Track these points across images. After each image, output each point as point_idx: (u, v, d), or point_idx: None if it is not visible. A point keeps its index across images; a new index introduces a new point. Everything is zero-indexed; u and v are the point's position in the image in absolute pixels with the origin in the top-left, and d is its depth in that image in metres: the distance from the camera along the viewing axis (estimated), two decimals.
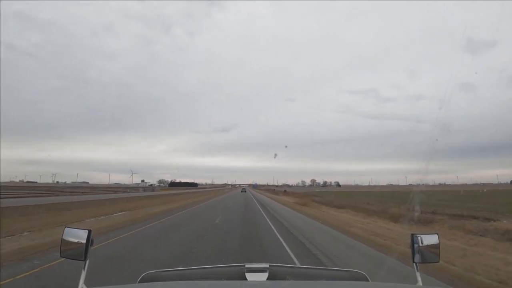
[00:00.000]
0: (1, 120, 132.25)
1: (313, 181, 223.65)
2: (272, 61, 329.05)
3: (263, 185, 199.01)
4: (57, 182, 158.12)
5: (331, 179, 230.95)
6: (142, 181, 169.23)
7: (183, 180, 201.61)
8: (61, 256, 1.33)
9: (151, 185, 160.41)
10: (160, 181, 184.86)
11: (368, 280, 1.50)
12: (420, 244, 1.39)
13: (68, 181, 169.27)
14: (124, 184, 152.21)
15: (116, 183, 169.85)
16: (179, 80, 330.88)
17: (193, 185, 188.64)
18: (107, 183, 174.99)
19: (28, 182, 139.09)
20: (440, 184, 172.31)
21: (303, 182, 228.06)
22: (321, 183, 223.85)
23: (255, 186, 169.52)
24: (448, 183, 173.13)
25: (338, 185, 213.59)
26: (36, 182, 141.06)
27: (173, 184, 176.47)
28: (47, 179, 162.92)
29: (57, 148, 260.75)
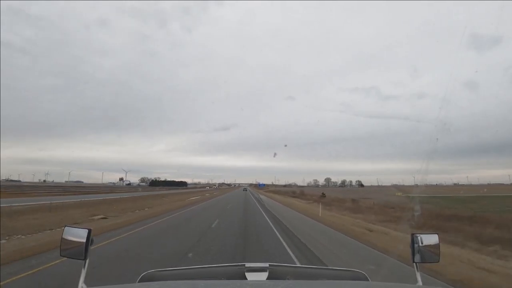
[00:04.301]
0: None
1: (327, 180, 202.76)
2: (272, 59, 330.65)
3: (269, 185, 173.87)
4: (44, 181, 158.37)
5: (335, 179, 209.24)
6: (121, 179, 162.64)
7: (183, 180, 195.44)
8: (61, 255, 1.42)
9: (129, 184, 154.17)
10: (142, 179, 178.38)
11: (368, 280, 1.59)
12: (420, 244, 1.48)
13: (62, 180, 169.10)
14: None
15: (110, 182, 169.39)
16: (178, 79, 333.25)
17: (181, 184, 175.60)
18: (100, 182, 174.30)
19: (10, 181, 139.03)
20: (455, 184, 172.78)
21: (315, 181, 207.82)
22: (339, 182, 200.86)
23: (260, 186, 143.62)
24: (461, 183, 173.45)
25: (360, 185, 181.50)
26: (19, 181, 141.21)
27: (154, 183, 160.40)
28: (42, 178, 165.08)
29: (54, 147, 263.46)
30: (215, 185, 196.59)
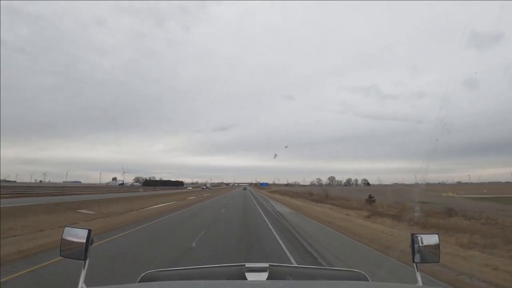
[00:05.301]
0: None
1: (331, 178, 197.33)
2: (272, 59, 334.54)
3: (271, 184, 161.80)
4: (40, 181, 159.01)
5: (336, 178, 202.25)
6: (114, 179, 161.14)
7: (183, 179, 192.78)
8: (60, 256, 1.44)
9: (122, 183, 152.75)
10: (137, 179, 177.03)
11: (368, 280, 1.62)
12: (420, 244, 1.50)
13: (60, 180, 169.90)
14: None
15: (107, 182, 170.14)
16: (178, 79, 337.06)
17: (177, 184, 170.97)
18: (99, 182, 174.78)
19: (6, 181, 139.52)
20: (458, 183, 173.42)
21: (318, 180, 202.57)
22: (342, 181, 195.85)
23: (262, 186, 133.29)
24: (463, 182, 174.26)
25: (367, 183, 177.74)
26: (14, 182, 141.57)
27: (148, 183, 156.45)
28: (41, 179, 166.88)
29: (54, 147, 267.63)
30: (205, 185, 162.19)
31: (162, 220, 16.88)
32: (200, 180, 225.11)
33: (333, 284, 1.53)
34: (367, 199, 34.65)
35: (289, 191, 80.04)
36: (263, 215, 20.07)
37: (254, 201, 38.99)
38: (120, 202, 26.87)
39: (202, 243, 9.98)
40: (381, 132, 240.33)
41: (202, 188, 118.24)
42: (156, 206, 27.09)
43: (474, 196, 57.54)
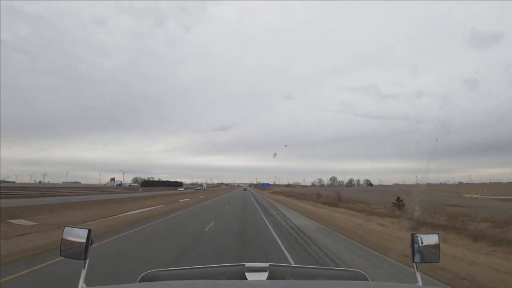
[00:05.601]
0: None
1: (333, 179, 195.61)
2: (272, 59, 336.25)
3: (271, 185, 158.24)
4: (40, 182, 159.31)
5: (337, 178, 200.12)
6: (112, 179, 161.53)
7: (182, 180, 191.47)
8: (60, 255, 1.45)
9: (120, 184, 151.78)
10: (135, 180, 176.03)
11: (368, 280, 1.62)
12: (420, 244, 1.50)
13: (60, 181, 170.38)
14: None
15: (105, 183, 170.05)
16: (178, 79, 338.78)
17: (175, 184, 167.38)
18: (99, 183, 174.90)
19: (6, 182, 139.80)
20: (460, 183, 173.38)
21: (319, 180, 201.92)
22: (344, 182, 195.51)
23: (263, 186, 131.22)
24: (465, 182, 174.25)
25: (369, 184, 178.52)
26: (13, 182, 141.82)
27: (146, 184, 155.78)
28: (39, 179, 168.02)
29: (54, 147, 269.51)
30: (200, 186, 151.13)
31: (111, 242, 9.98)
32: (200, 181, 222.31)
33: (333, 284, 1.54)
34: (394, 202, 28.62)
35: (293, 192, 75.48)
36: (278, 240, 10.57)
37: (257, 206, 30.13)
38: (88, 207, 21.56)
39: None
40: (381, 132, 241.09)
41: (196, 189, 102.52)
42: (130, 213, 21.15)
43: (497, 197, 51.46)
